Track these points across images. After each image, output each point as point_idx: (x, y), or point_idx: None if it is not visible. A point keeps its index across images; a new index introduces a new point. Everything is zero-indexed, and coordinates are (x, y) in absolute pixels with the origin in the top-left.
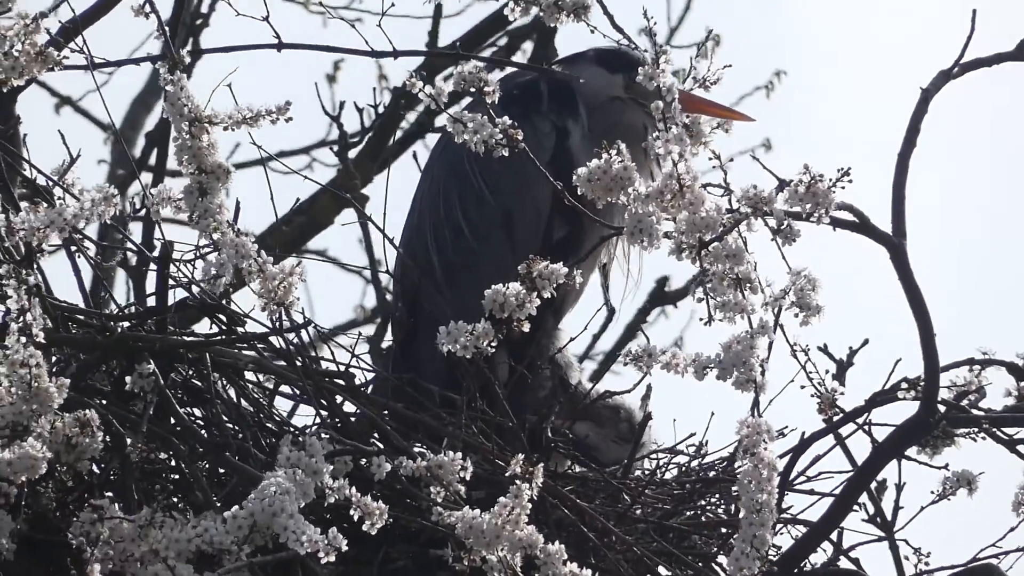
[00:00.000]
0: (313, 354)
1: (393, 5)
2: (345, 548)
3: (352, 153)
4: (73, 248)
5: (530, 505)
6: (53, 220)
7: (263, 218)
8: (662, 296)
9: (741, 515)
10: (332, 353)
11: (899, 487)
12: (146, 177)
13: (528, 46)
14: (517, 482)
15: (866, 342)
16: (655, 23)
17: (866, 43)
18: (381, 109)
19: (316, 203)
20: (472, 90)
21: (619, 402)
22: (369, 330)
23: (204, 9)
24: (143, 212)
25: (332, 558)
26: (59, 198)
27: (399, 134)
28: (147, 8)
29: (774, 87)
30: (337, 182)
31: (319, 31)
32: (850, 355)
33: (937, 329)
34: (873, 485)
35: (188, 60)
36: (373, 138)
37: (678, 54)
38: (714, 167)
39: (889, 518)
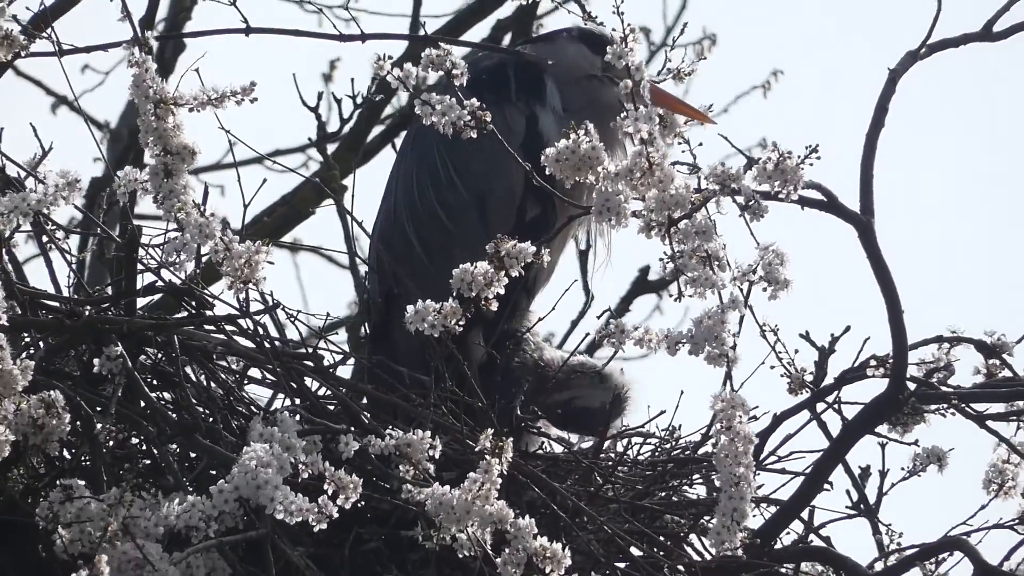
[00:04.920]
0: (281, 336)
1: None
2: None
3: (334, 145)
4: (44, 238)
5: (500, 482)
6: (17, 205)
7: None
8: (644, 284)
9: (719, 490)
10: (302, 338)
11: (883, 473)
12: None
13: (509, 39)
14: (487, 457)
15: (847, 329)
16: (621, 1)
17: (849, 33)
18: (360, 100)
19: (298, 194)
20: (440, 72)
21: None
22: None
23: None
24: (118, 202)
25: (325, 527)
26: (32, 190)
27: (382, 127)
28: None
29: (771, 86)
30: (319, 174)
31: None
32: (832, 342)
33: (906, 307)
34: (857, 472)
35: (155, 45)
36: (355, 130)
37: (675, 53)
38: (683, 151)
39: (872, 503)
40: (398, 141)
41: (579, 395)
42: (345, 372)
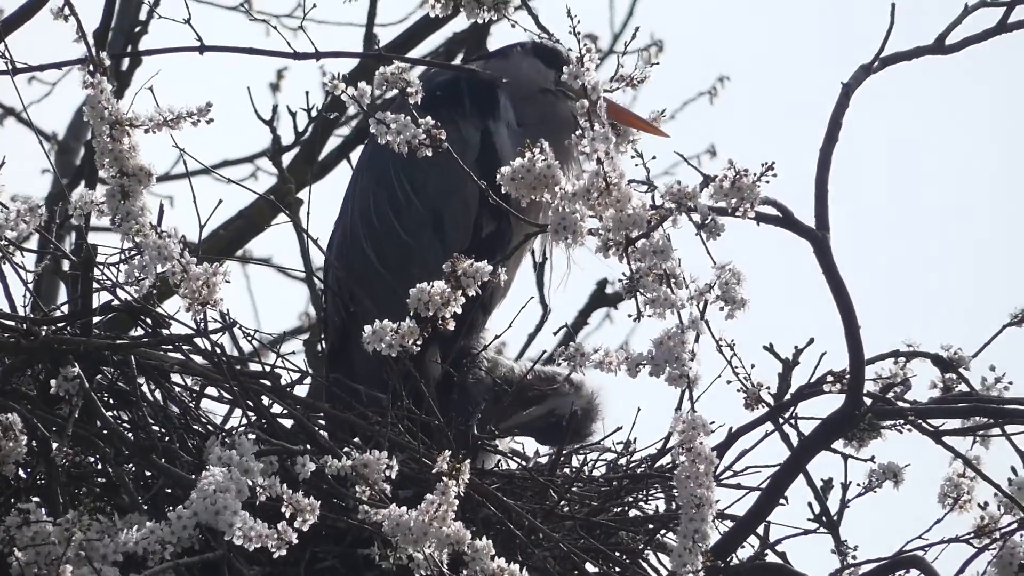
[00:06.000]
0: (238, 355)
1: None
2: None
3: (289, 157)
4: None
5: (457, 502)
6: None
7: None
8: (602, 298)
9: (680, 511)
10: (258, 355)
11: (845, 486)
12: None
13: (464, 52)
14: (444, 479)
15: (811, 342)
16: (578, 21)
17: (799, 42)
18: (315, 114)
19: (253, 207)
20: (395, 91)
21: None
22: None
23: (142, 16)
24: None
25: (284, 552)
26: None
27: (338, 140)
28: (66, 11)
29: (717, 92)
30: (274, 188)
31: (261, 40)
32: (795, 354)
33: (862, 322)
34: (819, 484)
35: (109, 63)
36: (309, 143)
37: (622, 60)
38: (637, 165)
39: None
40: (354, 155)
41: (557, 406)
42: (302, 389)
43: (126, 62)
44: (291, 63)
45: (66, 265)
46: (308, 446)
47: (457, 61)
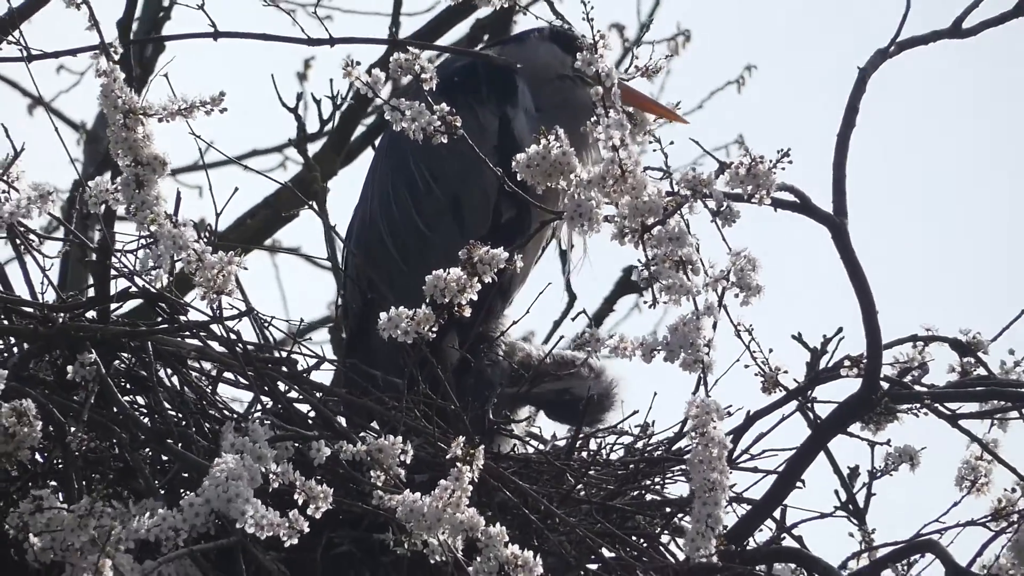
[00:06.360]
0: (260, 340)
1: None
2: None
3: (317, 146)
4: (17, 241)
5: (471, 488)
6: None
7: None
8: (628, 284)
9: (694, 495)
10: (278, 343)
11: (872, 473)
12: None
13: (487, 38)
14: (458, 465)
15: (840, 331)
16: (592, 7)
17: (826, 29)
18: (339, 102)
19: (279, 195)
20: (409, 77)
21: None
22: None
23: (165, 2)
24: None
25: (295, 541)
26: (3, 192)
27: (362, 128)
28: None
29: (744, 81)
30: (299, 176)
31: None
32: (824, 343)
33: (880, 305)
34: (845, 472)
35: (123, 51)
36: (336, 131)
37: (648, 50)
38: (654, 151)
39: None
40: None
41: (573, 386)
42: (326, 374)
43: (149, 48)
44: (318, 52)
45: (89, 255)
46: (324, 432)
47: (480, 47)
